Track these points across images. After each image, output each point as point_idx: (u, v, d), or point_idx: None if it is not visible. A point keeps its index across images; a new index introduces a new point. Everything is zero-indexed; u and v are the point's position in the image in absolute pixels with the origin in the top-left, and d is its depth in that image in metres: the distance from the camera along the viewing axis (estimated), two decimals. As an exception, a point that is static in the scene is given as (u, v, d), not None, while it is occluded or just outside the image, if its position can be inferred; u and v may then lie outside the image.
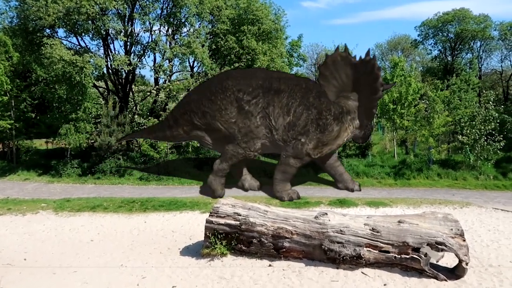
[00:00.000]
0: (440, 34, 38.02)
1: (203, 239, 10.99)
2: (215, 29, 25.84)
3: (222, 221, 10.68)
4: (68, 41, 23.83)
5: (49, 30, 22.90)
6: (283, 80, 17.29)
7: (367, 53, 17.11)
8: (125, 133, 22.17)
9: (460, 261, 9.21)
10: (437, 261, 10.07)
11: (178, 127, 18.05)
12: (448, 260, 10.15)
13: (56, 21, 21.18)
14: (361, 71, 17.14)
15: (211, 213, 10.93)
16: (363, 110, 17.36)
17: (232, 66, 24.92)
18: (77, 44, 23.81)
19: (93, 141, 22.58)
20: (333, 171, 18.92)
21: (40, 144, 27.59)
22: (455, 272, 9.46)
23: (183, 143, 22.88)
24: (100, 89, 27.42)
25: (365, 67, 17.03)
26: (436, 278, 9.24)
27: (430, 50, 41.13)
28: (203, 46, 24.55)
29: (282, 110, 16.87)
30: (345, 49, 17.77)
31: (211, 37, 26.50)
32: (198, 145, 22.87)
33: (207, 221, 10.77)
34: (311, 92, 17.11)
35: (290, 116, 16.85)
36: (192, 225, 13.70)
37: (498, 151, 20.69)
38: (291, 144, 16.98)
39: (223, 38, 25.23)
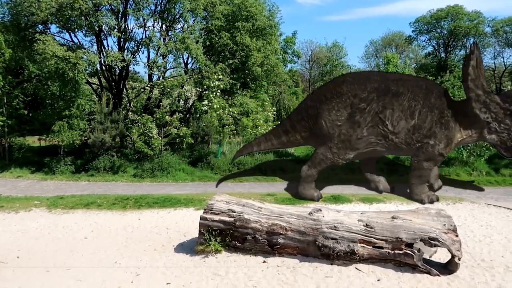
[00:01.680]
0: (434, 30, 38.14)
1: (197, 236, 10.98)
2: (209, 26, 25.75)
3: (216, 217, 10.68)
4: (61, 37, 23.64)
5: (41, 26, 22.68)
6: (402, 82, 16.79)
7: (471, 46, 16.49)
8: (118, 130, 22.06)
9: (453, 256, 9.29)
10: (430, 257, 10.15)
11: (296, 132, 17.86)
12: (441, 256, 10.24)
13: (49, 16, 20.98)
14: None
15: (205, 210, 10.93)
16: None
17: (226, 63, 24.86)
18: (70, 40, 23.65)
19: (86, 138, 22.44)
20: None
21: (33, 141, 27.36)
22: (448, 267, 9.55)
23: (177, 139, 22.82)
24: (94, 85, 27.23)
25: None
26: (429, 273, 9.31)
27: (424, 46, 41.29)
28: (197, 42, 24.45)
29: (404, 113, 16.39)
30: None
31: (205, 33, 26.40)
32: (193, 141, 22.84)
33: (202, 218, 10.77)
34: (432, 93, 16.58)
35: (414, 119, 16.36)
36: (186, 222, 13.70)
37: (491, 147, 20.85)
38: (419, 148, 16.52)
39: (217, 34, 25.15)
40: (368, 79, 17.00)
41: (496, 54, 39.19)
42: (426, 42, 40.17)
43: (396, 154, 17.63)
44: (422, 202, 16.49)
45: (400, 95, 16.48)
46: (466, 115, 16.30)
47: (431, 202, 16.46)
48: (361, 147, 16.69)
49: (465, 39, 37.50)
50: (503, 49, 38.27)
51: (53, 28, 23.78)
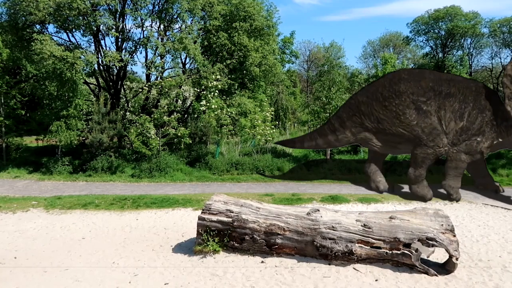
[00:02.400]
0: (432, 31, 38.24)
1: (195, 236, 10.97)
2: (207, 26, 25.75)
3: (214, 218, 10.67)
4: (59, 37, 23.61)
5: (39, 26, 22.61)
6: (453, 83, 16.80)
7: None
8: (116, 130, 22.02)
9: (451, 256, 9.31)
10: (427, 257, 10.17)
11: (345, 129, 17.70)
12: (439, 256, 10.27)
13: (47, 16, 20.92)
14: None
15: (203, 210, 10.92)
16: None
17: (224, 63, 24.87)
18: (68, 40, 23.59)
19: (84, 138, 22.40)
20: (479, 171, 18.75)
21: (30, 141, 27.32)
22: (446, 267, 9.57)
23: (175, 139, 22.80)
24: (91, 85, 27.18)
25: None
26: (426, 273, 9.33)
27: (422, 47, 41.38)
28: (195, 42, 24.44)
29: (454, 115, 16.48)
30: None
31: (203, 33, 26.40)
32: (190, 142, 22.81)
33: (199, 218, 10.76)
34: (482, 94, 16.54)
35: (463, 121, 16.44)
36: (184, 222, 13.69)
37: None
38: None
39: (215, 34, 25.16)
40: (423, 76, 17.04)
41: (493, 54, 39.32)
42: (423, 42, 40.27)
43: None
44: (451, 196, 16.72)
45: (452, 96, 16.57)
46: (505, 118, 16.26)
47: (458, 199, 16.70)
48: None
49: (463, 40, 37.62)
50: (500, 50, 38.40)
51: (51, 28, 23.83)
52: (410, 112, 16.72)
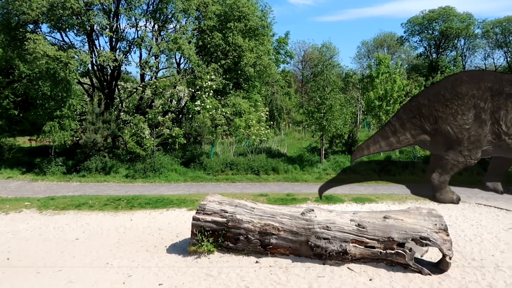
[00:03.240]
0: (425, 31, 38.46)
1: (189, 236, 10.96)
2: (201, 26, 25.72)
3: (209, 218, 10.66)
4: (52, 36, 23.45)
5: (32, 26, 22.47)
6: None
7: None
8: (110, 130, 21.93)
9: (444, 255, 9.37)
10: (421, 256, 10.23)
11: (405, 131, 17.66)
12: (432, 255, 10.33)
13: (40, 16, 20.79)
14: None
15: (197, 210, 10.91)
16: None
17: (219, 63, 24.84)
18: (61, 40, 23.46)
19: (78, 138, 22.27)
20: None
21: (23, 141, 27.11)
22: (439, 267, 9.62)
23: (169, 140, 22.74)
24: (85, 85, 27.05)
25: None
26: (420, 272, 9.38)
27: (416, 47, 41.62)
28: (189, 42, 24.40)
29: None
30: None
31: (197, 33, 26.36)
32: (185, 142, 22.77)
33: (194, 219, 10.75)
34: None
35: None
36: (179, 223, 13.66)
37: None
38: None
39: (210, 34, 25.13)
40: (482, 78, 17.04)
41: (486, 55, 39.64)
42: (417, 43, 40.52)
43: (499, 154, 17.62)
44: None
45: None
46: None
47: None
48: (484, 144, 16.80)
49: (456, 41, 37.89)
50: (493, 51, 38.71)
51: (44, 27, 23.68)
52: (468, 116, 16.62)
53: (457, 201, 16.76)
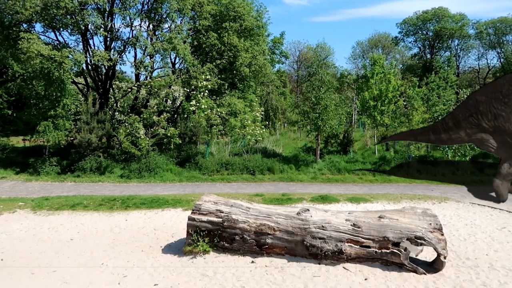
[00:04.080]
0: (420, 32, 38.66)
1: (185, 236, 10.92)
2: (197, 26, 25.67)
3: (204, 218, 10.64)
4: (46, 36, 23.32)
5: (26, 25, 22.34)
6: None
7: None
8: (105, 130, 21.82)
9: (439, 255, 9.42)
10: (416, 255, 10.27)
11: (460, 130, 17.59)
12: (427, 254, 10.37)
13: (34, 15, 20.67)
14: None
15: (193, 210, 10.88)
16: None
17: (214, 63, 24.80)
18: (55, 39, 23.34)
19: (72, 138, 22.15)
20: None
21: (17, 141, 26.93)
22: (434, 266, 9.66)
23: (165, 139, 22.68)
24: (80, 85, 26.92)
25: None
26: (415, 271, 9.42)
27: (410, 47, 41.81)
28: (184, 42, 24.35)
29: None
30: None
31: (193, 33, 26.31)
32: (180, 142, 22.70)
33: (189, 219, 10.72)
34: None
35: None
36: (174, 223, 13.61)
37: (475, 147, 21.18)
38: None
39: (205, 34, 25.09)
40: None
41: (480, 56, 39.91)
42: (412, 43, 40.71)
43: None
44: None
45: None
46: None
47: None
48: None
49: (450, 41, 38.11)
50: (487, 51, 38.97)
51: (38, 27, 23.62)
52: None
53: (503, 200, 16.83)
